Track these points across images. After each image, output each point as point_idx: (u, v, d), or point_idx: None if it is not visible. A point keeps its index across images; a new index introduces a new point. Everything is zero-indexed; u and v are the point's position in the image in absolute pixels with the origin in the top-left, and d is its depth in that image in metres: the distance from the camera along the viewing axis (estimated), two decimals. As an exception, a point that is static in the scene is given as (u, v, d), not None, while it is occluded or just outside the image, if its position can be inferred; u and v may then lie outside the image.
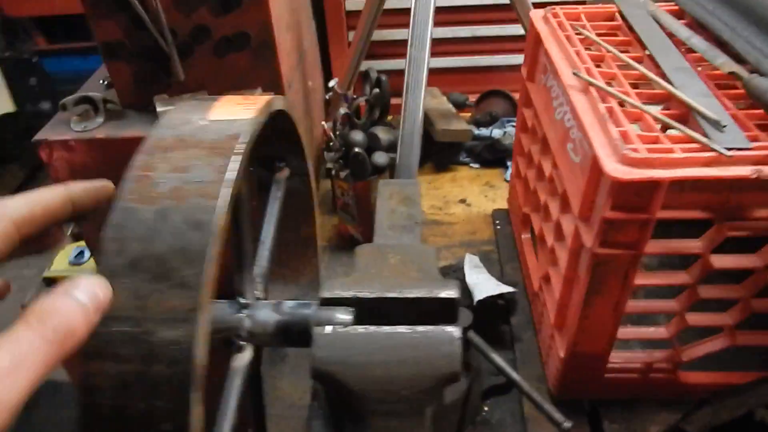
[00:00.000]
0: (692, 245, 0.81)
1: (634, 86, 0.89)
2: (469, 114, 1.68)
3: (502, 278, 1.24)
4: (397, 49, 1.69)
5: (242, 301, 0.74)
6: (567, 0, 1.19)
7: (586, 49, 1.00)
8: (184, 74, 1.21)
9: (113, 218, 0.49)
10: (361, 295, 0.75)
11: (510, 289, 1.12)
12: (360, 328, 0.71)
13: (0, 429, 0.30)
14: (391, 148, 1.25)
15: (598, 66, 0.93)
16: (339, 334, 0.70)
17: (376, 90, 1.33)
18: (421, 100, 1.22)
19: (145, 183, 0.50)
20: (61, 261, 1.50)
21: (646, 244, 0.78)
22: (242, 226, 0.74)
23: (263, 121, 0.61)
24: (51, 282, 1.54)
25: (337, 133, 1.26)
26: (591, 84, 0.88)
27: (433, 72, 1.79)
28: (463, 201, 1.49)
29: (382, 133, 1.28)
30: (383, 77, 1.34)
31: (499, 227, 1.38)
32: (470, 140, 1.53)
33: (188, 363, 0.46)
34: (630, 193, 0.73)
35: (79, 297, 0.36)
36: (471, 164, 1.59)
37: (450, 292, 0.76)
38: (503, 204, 1.44)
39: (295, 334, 0.73)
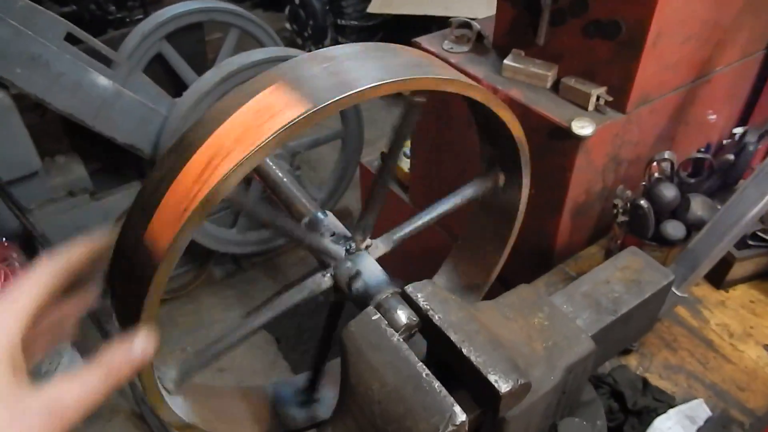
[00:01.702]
0: None
1: None
2: None
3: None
4: None
5: (352, 243, 0.77)
6: None
7: None
8: (545, 40, 1.17)
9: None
10: (430, 314, 0.70)
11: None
12: (396, 338, 0.67)
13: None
14: (698, 227, 0.98)
15: None
16: (378, 327, 0.68)
17: (730, 156, 1.02)
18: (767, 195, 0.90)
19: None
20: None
21: None
22: (379, 186, 0.75)
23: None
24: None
25: (653, 175, 1.05)
26: None
27: None
28: (770, 347, 1.08)
29: (699, 206, 1.00)
30: (751, 147, 1.01)
31: (779, 407, 0.98)
32: None
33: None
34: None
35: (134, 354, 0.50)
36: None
37: (503, 384, 0.64)
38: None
39: (360, 296, 0.74)
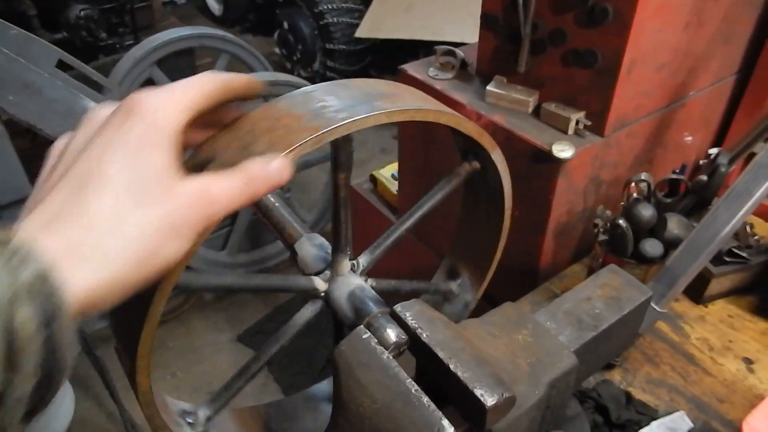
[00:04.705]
0: None
1: None
2: None
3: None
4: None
5: (334, 267, 0.80)
6: None
7: None
8: (526, 67, 1.22)
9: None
10: (418, 332, 0.73)
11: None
12: (386, 356, 0.70)
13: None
14: (675, 245, 1.02)
15: None
16: (368, 346, 0.71)
17: (704, 177, 1.06)
18: (739, 214, 0.94)
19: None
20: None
21: None
22: (339, 209, 0.78)
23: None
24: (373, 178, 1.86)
25: (632, 196, 1.09)
26: None
27: None
28: (748, 361, 1.12)
29: (675, 225, 1.04)
30: (723, 168, 1.06)
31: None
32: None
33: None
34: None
35: (271, 170, 0.51)
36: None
37: (488, 398, 0.66)
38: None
39: (350, 318, 0.77)
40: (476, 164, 0.86)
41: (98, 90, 2.37)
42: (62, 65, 2.31)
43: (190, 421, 0.76)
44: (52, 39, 2.68)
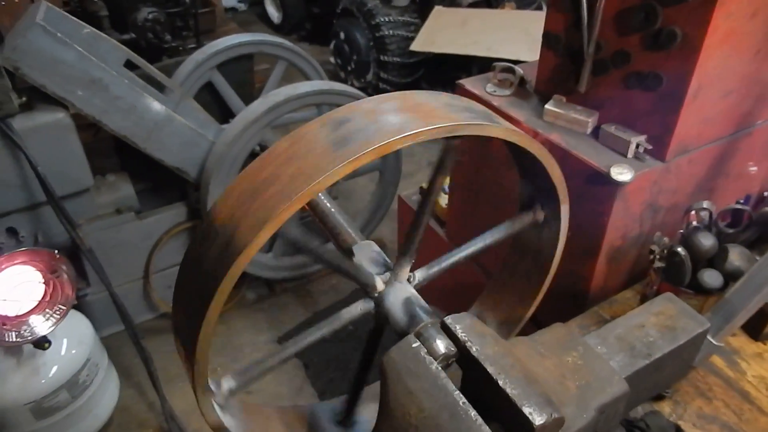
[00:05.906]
0: None
1: None
2: None
3: None
4: None
5: (393, 273, 0.81)
6: None
7: None
8: (587, 88, 1.21)
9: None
10: (468, 346, 0.73)
11: None
12: (435, 366, 0.70)
13: None
14: (736, 277, 0.99)
15: None
16: (417, 355, 0.72)
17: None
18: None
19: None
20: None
21: None
22: (420, 218, 0.78)
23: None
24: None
25: (691, 224, 1.06)
26: None
27: None
28: (808, 403, 1.06)
29: (736, 257, 1.01)
30: (792, 200, 1.02)
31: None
32: None
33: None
34: None
35: None
36: None
37: (537, 417, 0.66)
38: None
39: (400, 324, 0.77)
40: (541, 215, 0.87)
41: (160, 90, 2.47)
42: (129, 64, 2.41)
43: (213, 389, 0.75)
44: (121, 39, 2.79)
